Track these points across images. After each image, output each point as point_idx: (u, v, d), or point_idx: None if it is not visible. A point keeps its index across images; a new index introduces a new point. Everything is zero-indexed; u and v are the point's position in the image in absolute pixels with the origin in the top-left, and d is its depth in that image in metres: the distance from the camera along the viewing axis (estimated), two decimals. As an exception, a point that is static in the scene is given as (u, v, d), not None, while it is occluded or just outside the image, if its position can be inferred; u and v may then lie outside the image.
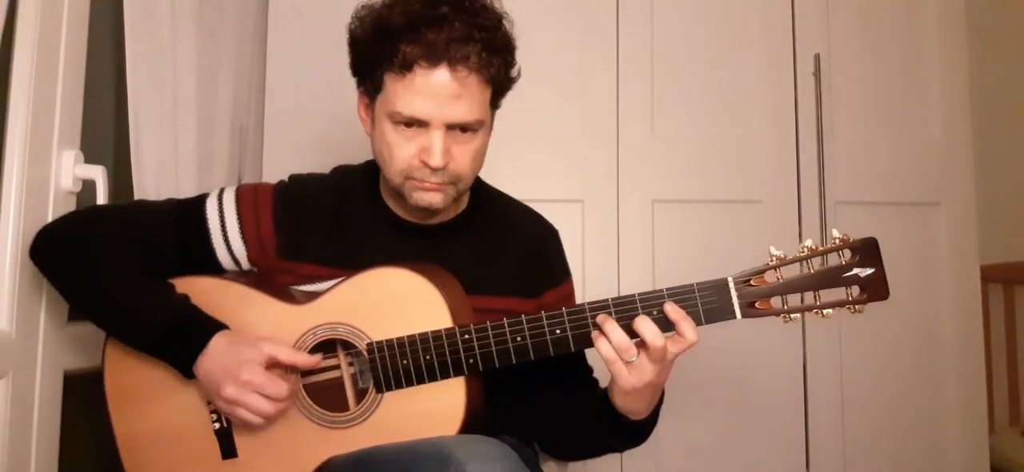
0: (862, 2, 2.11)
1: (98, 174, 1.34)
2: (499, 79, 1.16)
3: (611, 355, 1.06)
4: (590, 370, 1.30)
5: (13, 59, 1.23)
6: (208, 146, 1.74)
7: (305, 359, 1.12)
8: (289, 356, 1.11)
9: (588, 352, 1.16)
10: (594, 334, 1.08)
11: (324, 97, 1.96)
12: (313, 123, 1.97)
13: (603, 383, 1.21)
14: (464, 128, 1.14)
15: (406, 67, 1.10)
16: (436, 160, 1.12)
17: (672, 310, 1.06)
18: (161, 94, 1.55)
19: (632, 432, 1.18)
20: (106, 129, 1.59)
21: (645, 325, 1.05)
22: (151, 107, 1.52)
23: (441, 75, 1.10)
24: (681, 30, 2.06)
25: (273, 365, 1.10)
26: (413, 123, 1.13)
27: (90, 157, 1.35)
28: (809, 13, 2.07)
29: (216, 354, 1.10)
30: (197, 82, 1.67)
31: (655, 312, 1.07)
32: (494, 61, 1.13)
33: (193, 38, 1.65)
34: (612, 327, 1.06)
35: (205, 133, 1.72)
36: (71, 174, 1.31)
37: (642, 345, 1.06)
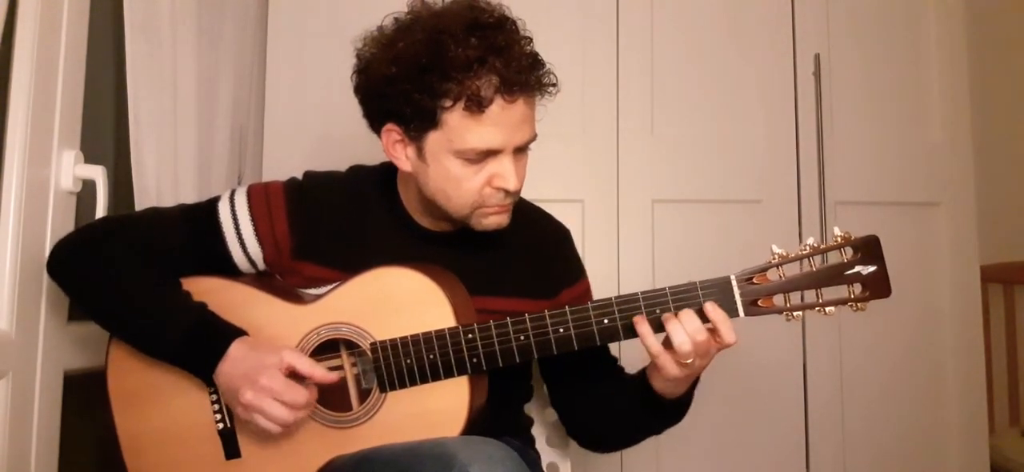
0: (862, 2, 2.10)
1: (98, 174, 1.34)
2: (541, 91, 1.15)
3: (657, 349, 1.06)
4: (614, 359, 1.31)
5: (13, 59, 1.23)
6: (208, 146, 1.74)
7: (323, 374, 1.10)
8: (308, 368, 1.09)
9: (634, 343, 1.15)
10: (637, 325, 1.07)
11: (324, 97, 1.96)
12: (313, 123, 1.97)
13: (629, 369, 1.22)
14: (524, 146, 1.15)
15: (484, 103, 1.07)
16: (515, 185, 1.13)
17: (712, 310, 1.06)
18: (161, 94, 1.54)
19: (672, 411, 1.19)
20: (106, 129, 1.58)
21: (689, 321, 1.05)
22: (151, 107, 1.51)
23: (519, 105, 1.10)
24: (681, 30, 2.05)
25: (291, 374, 1.09)
26: (486, 155, 1.12)
27: (90, 157, 1.35)
28: (809, 13, 2.07)
29: (236, 360, 1.09)
30: (197, 82, 1.66)
31: (657, 310, 1.07)
32: (542, 79, 1.13)
33: (193, 38, 1.65)
34: (676, 327, 1.05)
35: (205, 133, 1.72)
36: (71, 174, 1.31)
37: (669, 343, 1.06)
